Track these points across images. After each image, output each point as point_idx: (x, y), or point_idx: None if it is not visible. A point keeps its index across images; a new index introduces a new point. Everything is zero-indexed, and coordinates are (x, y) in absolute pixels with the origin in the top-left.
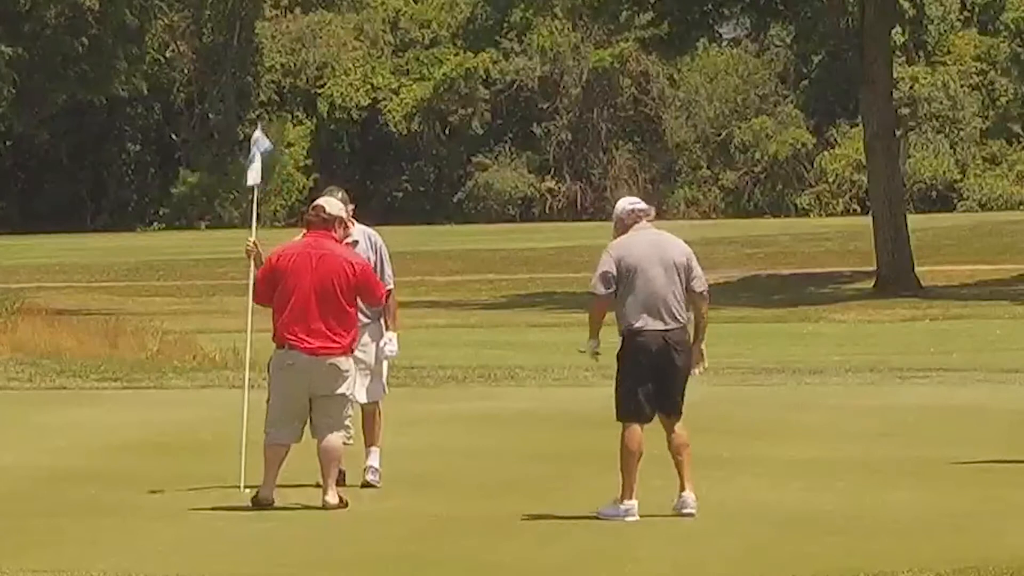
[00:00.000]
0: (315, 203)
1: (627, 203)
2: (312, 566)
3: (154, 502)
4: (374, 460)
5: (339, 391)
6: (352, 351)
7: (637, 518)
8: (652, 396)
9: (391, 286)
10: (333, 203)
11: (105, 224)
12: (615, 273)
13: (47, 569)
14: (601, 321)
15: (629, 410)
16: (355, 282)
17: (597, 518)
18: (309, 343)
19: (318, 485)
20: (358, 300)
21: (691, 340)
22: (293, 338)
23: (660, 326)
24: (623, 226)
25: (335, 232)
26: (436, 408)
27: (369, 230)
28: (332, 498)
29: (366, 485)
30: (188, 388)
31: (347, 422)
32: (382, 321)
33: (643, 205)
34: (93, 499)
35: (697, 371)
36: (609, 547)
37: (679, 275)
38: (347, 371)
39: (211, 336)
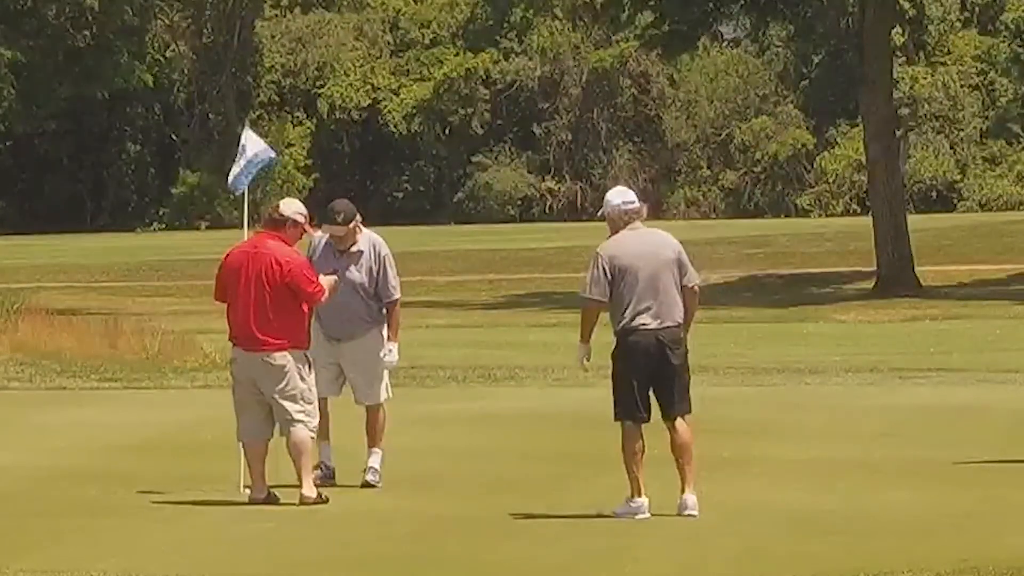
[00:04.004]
0: (276, 203)
1: (619, 201)
2: (312, 566)
3: (154, 502)
4: (375, 461)
5: (280, 386)
6: (294, 347)
7: (648, 515)
8: (648, 396)
9: (396, 296)
10: (292, 205)
11: (105, 224)
12: (609, 276)
13: (47, 569)
14: (593, 325)
15: (625, 410)
16: (283, 279)
17: (597, 517)
18: (245, 339)
19: (320, 485)
20: (369, 299)
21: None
22: (233, 334)
23: (654, 325)
24: (614, 226)
25: (284, 232)
26: (436, 408)
27: (376, 238)
28: (308, 491)
29: (366, 485)
30: (188, 388)
31: (300, 416)
32: (384, 328)
33: (635, 204)
34: (93, 499)
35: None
36: (609, 547)
37: (672, 273)
38: (283, 366)
39: (211, 336)
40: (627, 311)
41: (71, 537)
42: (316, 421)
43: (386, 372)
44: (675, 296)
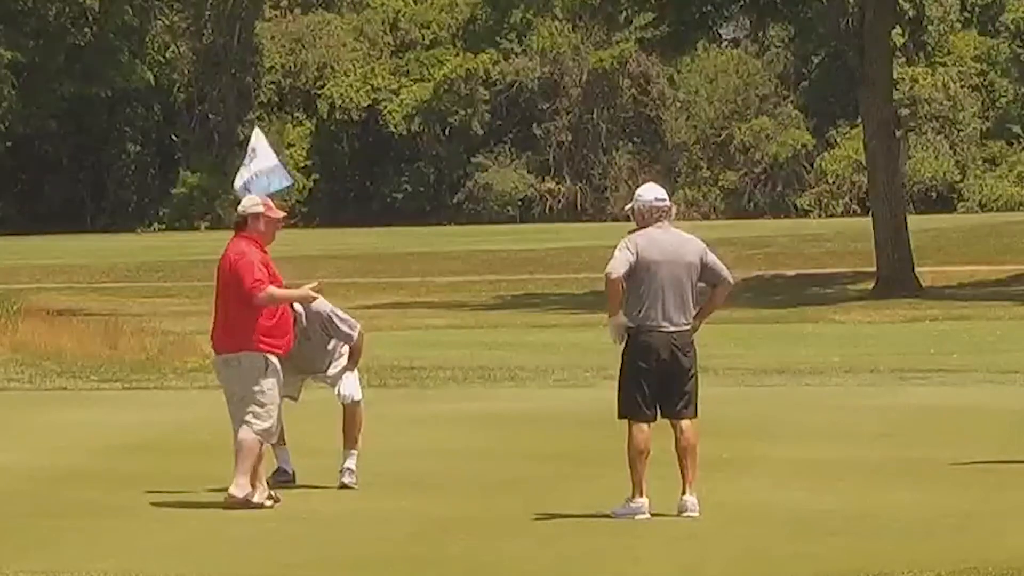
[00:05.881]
0: None
1: (651, 196)
2: (312, 566)
3: (154, 502)
4: (350, 462)
5: (238, 387)
6: (251, 349)
7: (648, 516)
8: (655, 397)
9: (355, 333)
10: (246, 201)
11: (105, 225)
12: (634, 261)
13: (47, 570)
14: (620, 299)
15: (630, 409)
16: (232, 276)
17: (597, 517)
18: (214, 342)
19: (318, 487)
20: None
21: (694, 337)
22: (211, 337)
23: (668, 327)
24: (643, 221)
25: (248, 230)
26: (436, 408)
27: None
28: (234, 491)
29: (343, 487)
30: (188, 389)
31: (249, 417)
32: (346, 348)
33: (666, 202)
34: (93, 500)
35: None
36: (609, 547)
37: (692, 276)
38: (244, 367)
39: None
40: (643, 310)
41: (71, 537)
42: (267, 425)
43: (351, 376)
44: (690, 299)
